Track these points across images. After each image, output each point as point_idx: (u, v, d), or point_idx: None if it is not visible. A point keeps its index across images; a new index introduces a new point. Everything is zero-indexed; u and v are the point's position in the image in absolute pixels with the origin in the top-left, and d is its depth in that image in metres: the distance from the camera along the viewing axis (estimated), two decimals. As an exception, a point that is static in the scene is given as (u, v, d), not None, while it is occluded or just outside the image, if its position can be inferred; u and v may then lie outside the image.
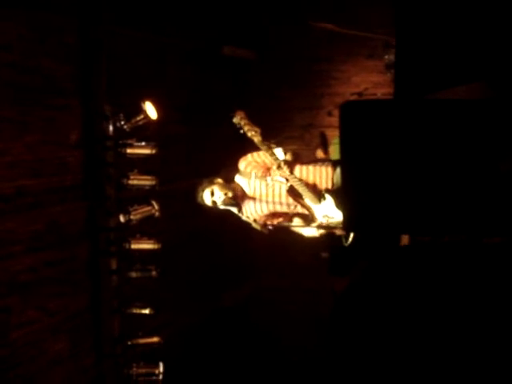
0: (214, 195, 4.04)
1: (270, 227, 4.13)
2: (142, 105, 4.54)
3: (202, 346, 6.13)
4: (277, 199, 4.11)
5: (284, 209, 4.15)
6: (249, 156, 4.20)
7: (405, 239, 3.92)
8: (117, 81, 4.69)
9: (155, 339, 4.90)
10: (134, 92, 4.68)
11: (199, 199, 4.12)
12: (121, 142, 4.62)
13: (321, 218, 4.01)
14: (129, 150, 4.64)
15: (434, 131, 2.18)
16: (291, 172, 3.94)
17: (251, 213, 4.14)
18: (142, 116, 4.57)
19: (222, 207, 4.08)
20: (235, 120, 3.83)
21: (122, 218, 4.61)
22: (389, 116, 2.24)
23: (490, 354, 2.32)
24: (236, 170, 4.23)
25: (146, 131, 4.75)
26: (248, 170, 4.15)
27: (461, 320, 2.26)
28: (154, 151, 4.66)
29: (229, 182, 4.18)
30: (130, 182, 4.66)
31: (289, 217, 4.23)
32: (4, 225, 3.94)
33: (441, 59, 3.52)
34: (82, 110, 4.52)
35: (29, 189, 4.10)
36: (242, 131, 3.82)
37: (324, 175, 4.11)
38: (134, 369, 4.84)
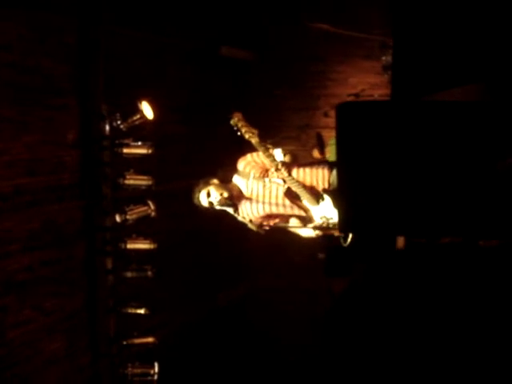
0: (210, 196, 4.03)
1: (267, 228, 4.13)
2: (139, 104, 4.55)
3: (197, 346, 6.13)
4: (273, 200, 4.10)
5: (280, 210, 4.14)
6: (248, 156, 4.20)
7: (401, 241, 3.93)
8: (116, 81, 4.70)
9: (150, 339, 4.91)
10: (133, 92, 4.69)
11: (195, 200, 4.11)
12: (117, 141, 4.62)
13: (318, 220, 4.01)
14: (125, 150, 4.64)
15: (430, 133, 2.18)
16: (289, 173, 3.94)
17: (247, 213, 4.13)
18: (138, 116, 4.57)
19: (218, 208, 4.08)
20: (232, 122, 3.83)
21: (118, 218, 4.61)
22: (385, 117, 2.24)
23: (486, 353, 2.33)
24: (234, 170, 4.22)
25: (142, 131, 4.75)
26: (247, 170, 4.15)
27: (458, 326, 2.27)
28: (150, 151, 4.66)
29: (226, 182, 4.18)
30: (127, 181, 4.66)
31: (285, 218, 4.23)
32: (2, 224, 3.95)
33: (438, 61, 3.53)
34: (79, 110, 4.53)
35: (26, 187, 4.10)
36: (239, 133, 3.82)
37: (321, 177, 4.10)
38: (130, 369, 4.85)
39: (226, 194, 4.04)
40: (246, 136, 3.81)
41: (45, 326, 4.35)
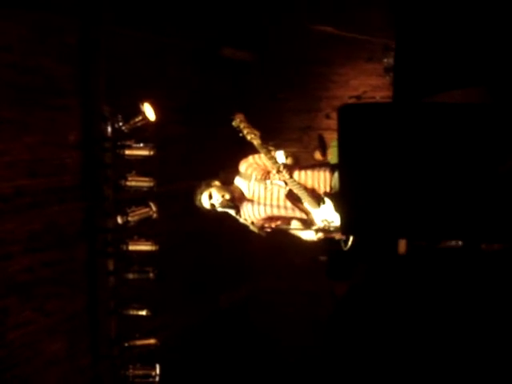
0: (212, 198, 4.02)
1: (268, 230, 4.12)
2: (141, 106, 4.54)
3: (199, 348, 6.13)
4: (275, 203, 4.09)
5: (282, 212, 4.13)
6: (250, 158, 4.19)
7: (402, 244, 3.92)
8: (116, 81, 4.69)
9: (152, 341, 4.90)
10: (133, 92, 4.69)
11: (197, 202, 4.10)
12: (119, 143, 4.62)
13: (320, 223, 4.00)
14: (127, 152, 4.64)
15: (432, 135, 2.18)
16: (290, 176, 3.93)
17: (249, 215, 4.13)
18: (140, 117, 4.57)
19: (220, 209, 4.07)
20: (234, 123, 3.81)
21: (119, 220, 4.61)
22: (387, 119, 2.24)
23: (488, 355, 2.33)
24: (236, 172, 4.22)
25: (144, 132, 4.75)
26: (249, 171, 4.14)
27: (460, 328, 2.27)
28: (152, 152, 4.66)
29: (227, 184, 4.17)
30: (128, 183, 4.66)
31: (287, 220, 4.22)
32: (3, 225, 3.95)
33: (439, 63, 3.53)
34: (80, 111, 4.53)
35: (27, 189, 4.10)
36: (241, 134, 3.81)
37: (322, 179, 4.09)
38: (131, 370, 4.84)
39: (227, 196, 4.03)
40: (248, 137, 3.80)
41: (45, 328, 4.34)
